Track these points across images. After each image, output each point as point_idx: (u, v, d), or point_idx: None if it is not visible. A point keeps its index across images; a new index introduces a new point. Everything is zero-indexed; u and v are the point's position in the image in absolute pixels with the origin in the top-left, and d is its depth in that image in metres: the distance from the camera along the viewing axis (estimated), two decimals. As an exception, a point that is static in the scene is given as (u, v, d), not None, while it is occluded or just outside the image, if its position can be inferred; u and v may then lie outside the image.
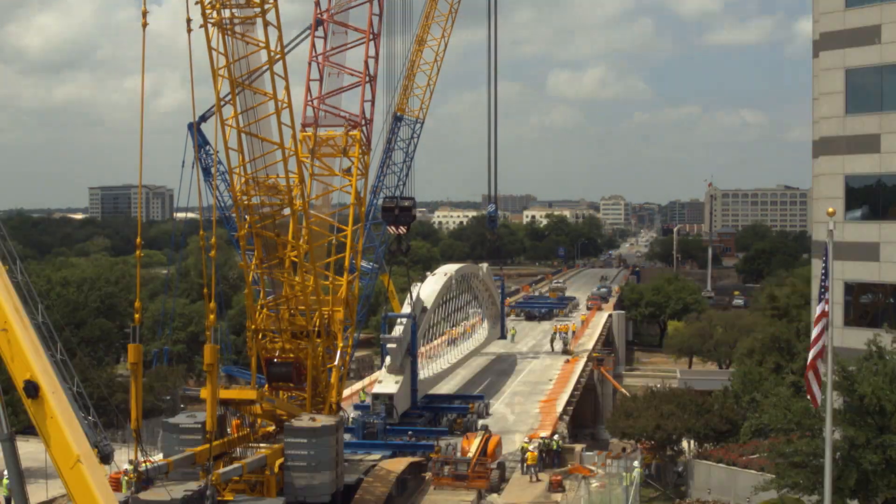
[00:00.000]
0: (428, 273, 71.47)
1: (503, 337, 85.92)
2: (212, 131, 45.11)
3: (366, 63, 41.83)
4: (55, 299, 76.16)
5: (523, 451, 48.24)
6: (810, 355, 26.92)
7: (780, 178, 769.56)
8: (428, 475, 46.06)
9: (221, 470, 33.16)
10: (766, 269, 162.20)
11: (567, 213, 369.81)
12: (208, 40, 32.20)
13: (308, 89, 42.17)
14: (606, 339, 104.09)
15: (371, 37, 41.75)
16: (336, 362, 40.86)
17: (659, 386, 54.43)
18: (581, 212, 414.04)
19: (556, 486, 45.50)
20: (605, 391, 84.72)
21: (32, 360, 21.44)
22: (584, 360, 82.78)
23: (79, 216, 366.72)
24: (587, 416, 79.81)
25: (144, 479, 30.04)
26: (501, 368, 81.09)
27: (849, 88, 43.56)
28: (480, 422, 56.12)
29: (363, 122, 42.05)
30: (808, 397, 27.78)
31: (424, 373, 60.08)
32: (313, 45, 41.79)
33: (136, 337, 29.24)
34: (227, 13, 32.25)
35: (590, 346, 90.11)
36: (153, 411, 55.17)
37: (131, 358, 29.55)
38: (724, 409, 49.23)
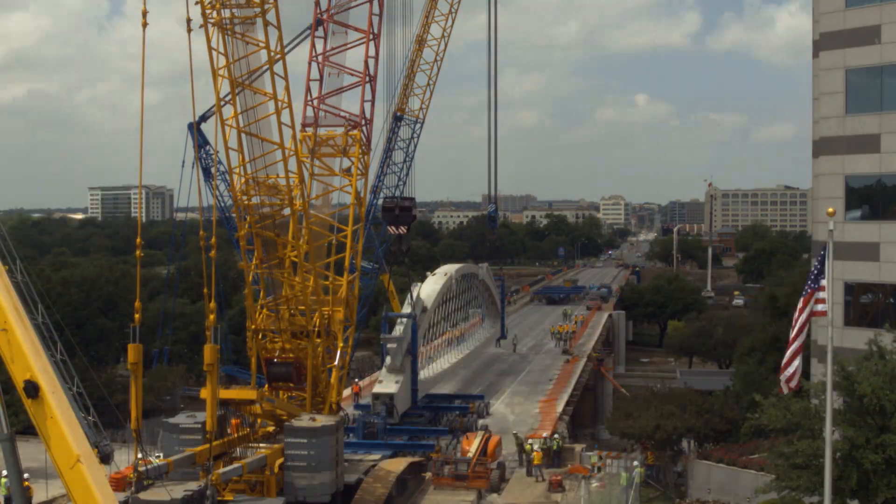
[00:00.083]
0: (428, 273, 71.48)
1: (503, 337, 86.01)
2: (212, 131, 45.15)
3: (366, 63, 41.82)
4: (55, 299, 76.10)
5: (527, 451, 48.17)
6: (790, 350, 27.04)
7: (780, 178, 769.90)
8: (428, 475, 46.06)
9: (222, 470, 33.17)
10: (766, 269, 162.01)
11: (567, 213, 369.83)
12: (208, 40, 32.22)
13: (308, 89, 42.18)
14: (606, 339, 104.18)
15: (371, 37, 41.75)
16: (336, 362, 40.86)
17: (659, 386, 54.37)
18: (581, 212, 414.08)
19: (556, 486, 45.50)
20: (605, 391, 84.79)
21: (32, 360, 21.45)
22: (584, 360, 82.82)
23: (79, 216, 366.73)
24: (587, 416, 79.85)
25: (144, 479, 30.06)
26: (501, 368, 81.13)
27: (849, 88, 43.58)
28: (480, 422, 56.13)
29: (363, 122, 42.04)
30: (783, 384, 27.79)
31: (425, 373, 60.09)
32: (313, 45, 41.79)
33: (136, 337, 29.24)
34: (227, 13, 32.26)
35: (590, 346, 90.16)
36: (153, 411, 55.14)
37: (131, 358, 29.56)
38: (724, 409, 49.23)
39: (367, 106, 42.14)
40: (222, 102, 33.33)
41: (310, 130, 42.14)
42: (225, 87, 33.05)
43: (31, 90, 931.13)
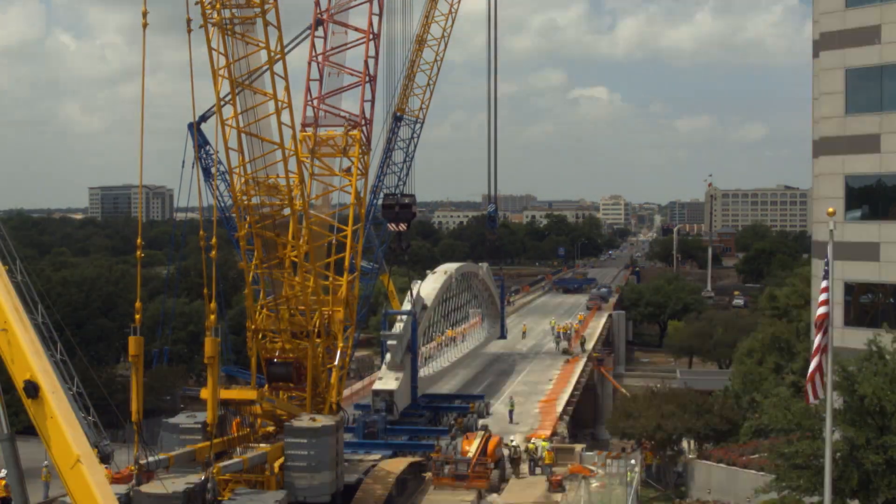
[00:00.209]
0: (428, 271, 71.56)
1: (503, 336, 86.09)
2: (212, 131, 45.14)
3: (366, 63, 41.81)
4: (55, 299, 76.13)
5: (531, 450, 48.03)
6: (812, 364, 26.93)
7: (780, 178, 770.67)
8: (428, 475, 46.05)
9: (223, 463, 33.21)
10: (766, 269, 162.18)
11: (567, 213, 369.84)
12: (208, 40, 32.20)
13: (308, 89, 42.16)
14: (606, 339, 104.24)
15: (371, 37, 41.73)
16: (336, 362, 40.85)
17: (659, 386, 54.34)
18: (581, 212, 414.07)
19: (556, 486, 45.51)
20: (605, 391, 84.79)
21: (32, 360, 21.42)
22: (584, 360, 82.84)
23: (79, 216, 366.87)
24: (587, 416, 79.86)
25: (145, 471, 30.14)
26: (501, 368, 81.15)
27: (849, 88, 43.58)
28: (480, 421, 56.13)
29: (363, 122, 42.02)
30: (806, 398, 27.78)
31: (425, 371, 60.12)
32: (313, 45, 41.77)
33: (138, 330, 29.31)
34: (227, 13, 32.25)
35: (590, 346, 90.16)
36: (153, 411, 55.12)
37: (132, 350, 29.56)
38: (724, 409, 49.20)
39: (367, 106, 42.12)
40: (222, 102, 33.33)
41: (310, 130, 42.11)
42: (225, 87, 33.05)
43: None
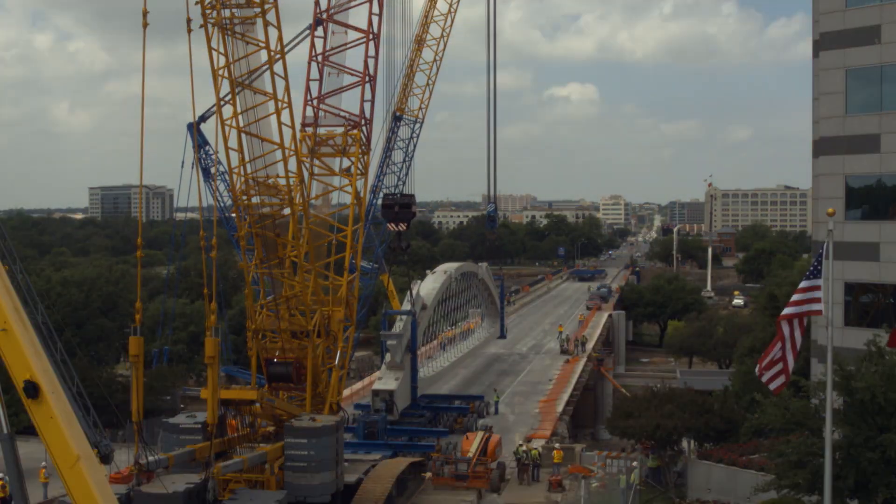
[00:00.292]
0: (428, 271, 71.59)
1: (503, 336, 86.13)
2: (212, 131, 45.12)
3: (365, 63, 41.80)
4: (55, 299, 76.12)
5: (534, 455, 47.88)
6: (774, 353, 26.81)
7: (780, 178, 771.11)
8: (428, 475, 46.05)
9: (223, 463, 33.21)
10: (766, 269, 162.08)
11: (567, 213, 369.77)
12: (208, 40, 32.20)
13: (308, 89, 42.16)
14: (606, 339, 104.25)
15: (371, 36, 41.72)
16: (336, 362, 40.85)
17: (659, 386, 54.29)
18: (581, 212, 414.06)
19: (556, 487, 45.52)
20: (605, 391, 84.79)
21: (32, 360, 21.42)
22: (584, 359, 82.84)
23: (79, 216, 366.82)
24: (587, 416, 79.87)
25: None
26: (501, 368, 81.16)
27: (849, 88, 43.56)
28: (480, 421, 56.14)
29: (363, 122, 42.02)
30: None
31: (424, 370, 60.15)
32: (313, 45, 41.77)
33: (138, 330, 29.36)
34: (227, 13, 32.25)
35: (589, 346, 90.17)
36: (153, 411, 55.14)
37: (132, 350, 29.60)
38: (724, 409, 49.15)
39: (367, 105, 42.12)
40: (222, 102, 33.33)
41: (310, 130, 42.12)
42: (225, 87, 33.05)
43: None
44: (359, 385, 70.06)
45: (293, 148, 35.57)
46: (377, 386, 54.42)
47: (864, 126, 43.03)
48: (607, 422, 54.05)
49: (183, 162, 59.88)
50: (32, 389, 21.04)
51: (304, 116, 42.17)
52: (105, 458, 25.59)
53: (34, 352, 21.79)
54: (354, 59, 42.05)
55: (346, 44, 42.02)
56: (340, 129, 42.17)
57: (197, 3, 31.79)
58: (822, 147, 44.76)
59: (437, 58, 65.62)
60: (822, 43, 44.49)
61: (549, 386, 71.88)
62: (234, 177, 34.67)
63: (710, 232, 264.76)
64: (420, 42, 65.07)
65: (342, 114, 42.21)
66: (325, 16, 41.75)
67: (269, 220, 36.15)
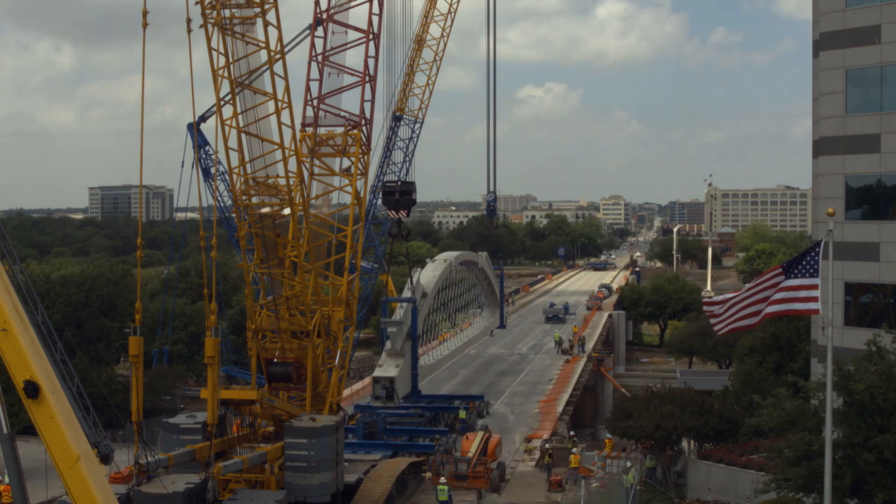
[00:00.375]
0: (428, 259, 71.68)
1: (502, 326, 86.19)
2: (212, 131, 45.13)
3: (365, 63, 41.80)
4: (55, 299, 76.06)
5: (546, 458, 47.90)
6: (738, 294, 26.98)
7: (780, 178, 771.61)
8: (428, 475, 46.08)
9: (223, 463, 33.21)
10: (766, 269, 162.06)
11: (567, 213, 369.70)
12: (208, 40, 32.20)
13: (308, 89, 42.17)
14: (606, 339, 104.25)
15: (371, 36, 41.72)
16: (336, 362, 40.86)
17: (659, 386, 54.29)
18: (581, 212, 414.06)
19: (556, 486, 45.52)
20: (605, 391, 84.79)
21: (32, 360, 21.44)
22: (584, 359, 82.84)
23: (79, 216, 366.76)
24: (587, 416, 79.87)
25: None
26: (501, 368, 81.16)
27: (849, 88, 43.55)
28: (480, 421, 56.14)
29: (363, 122, 42.02)
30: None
31: (425, 359, 60.09)
32: (313, 45, 41.77)
33: (138, 330, 29.37)
34: (227, 13, 32.25)
35: (589, 346, 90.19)
36: (153, 411, 55.15)
37: (132, 350, 29.61)
38: (724, 409, 49.15)
39: (367, 105, 42.12)
40: (222, 102, 33.33)
41: (310, 130, 42.12)
42: (225, 87, 33.06)
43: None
44: (359, 385, 70.08)
45: (293, 148, 35.57)
46: (377, 373, 54.36)
47: (863, 126, 43.01)
48: (607, 422, 54.04)
49: (183, 162, 59.91)
50: (32, 389, 21.05)
51: (304, 116, 42.18)
52: (105, 458, 25.63)
53: (34, 352, 21.81)
54: (354, 59, 42.13)
55: (346, 44, 42.02)
56: (340, 129, 42.17)
57: (197, 3, 31.79)
58: (822, 147, 44.75)
59: (437, 58, 65.60)
60: (822, 43, 44.48)
61: (549, 386, 71.89)
62: (234, 177, 34.68)
63: (710, 232, 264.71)
64: (420, 42, 65.04)
65: (342, 114, 42.22)
66: (325, 16, 41.75)
67: (269, 220, 36.15)
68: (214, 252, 33.50)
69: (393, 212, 49.88)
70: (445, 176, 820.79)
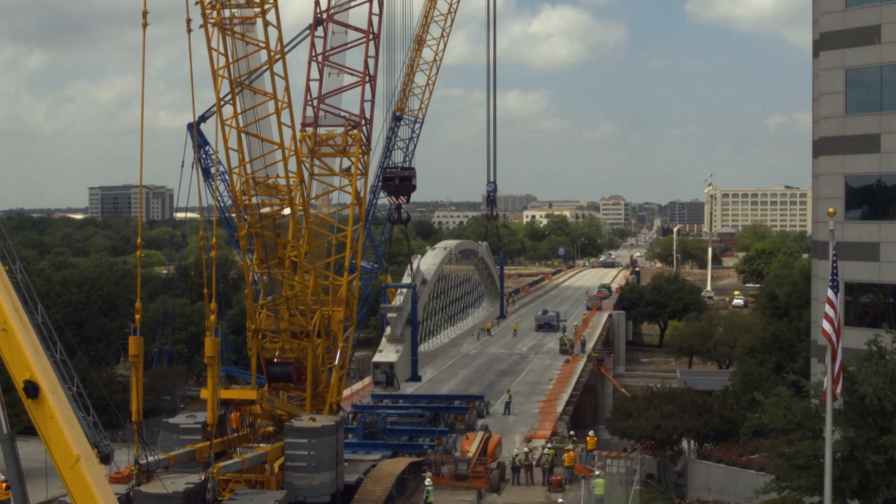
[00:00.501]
0: (428, 247, 71.71)
1: (502, 316, 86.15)
2: (212, 131, 45.11)
3: (365, 63, 41.80)
4: (55, 299, 76.07)
5: (546, 457, 47.78)
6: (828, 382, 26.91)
7: (780, 178, 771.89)
8: (428, 475, 46.06)
9: (223, 463, 33.21)
10: (766, 269, 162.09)
11: (567, 213, 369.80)
12: (208, 40, 32.22)
13: (308, 89, 42.17)
14: (606, 339, 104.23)
15: (371, 36, 41.72)
16: (336, 362, 40.86)
17: (659, 386, 54.28)
18: (581, 212, 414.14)
19: (556, 486, 45.51)
20: (605, 391, 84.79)
21: (32, 360, 21.41)
22: (584, 359, 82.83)
23: (79, 216, 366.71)
24: (587, 416, 79.84)
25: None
26: (501, 368, 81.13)
27: (849, 88, 43.53)
28: (480, 421, 56.11)
29: (363, 122, 42.02)
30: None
31: (425, 346, 60.05)
32: (313, 45, 41.77)
33: (138, 330, 29.37)
34: (227, 13, 32.26)
35: (590, 346, 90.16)
36: (153, 411, 55.16)
37: (132, 350, 29.61)
38: (724, 409, 49.16)
39: (367, 105, 42.12)
40: (222, 102, 33.34)
41: (310, 130, 42.12)
42: (225, 87, 33.08)
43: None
44: (359, 385, 70.06)
45: (293, 148, 35.59)
46: (377, 358, 54.38)
47: (863, 126, 42.98)
48: (607, 422, 54.04)
49: (183, 162, 59.90)
50: (32, 389, 21.02)
51: (304, 116, 42.18)
52: (105, 458, 25.71)
53: (34, 352, 21.78)
54: (355, 59, 42.12)
55: (346, 44, 42.03)
56: (340, 129, 42.18)
57: (197, 3, 31.79)
58: (822, 147, 44.73)
59: (437, 58, 65.65)
60: (822, 43, 44.45)
61: (549, 386, 71.85)
62: (234, 177, 34.70)
63: (710, 232, 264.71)
64: (420, 42, 65.07)
65: (342, 114, 42.22)
66: (325, 16, 41.75)
67: (269, 220, 36.18)
68: (214, 252, 33.53)
69: (393, 197, 49.90)
70: (445, 166, 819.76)
